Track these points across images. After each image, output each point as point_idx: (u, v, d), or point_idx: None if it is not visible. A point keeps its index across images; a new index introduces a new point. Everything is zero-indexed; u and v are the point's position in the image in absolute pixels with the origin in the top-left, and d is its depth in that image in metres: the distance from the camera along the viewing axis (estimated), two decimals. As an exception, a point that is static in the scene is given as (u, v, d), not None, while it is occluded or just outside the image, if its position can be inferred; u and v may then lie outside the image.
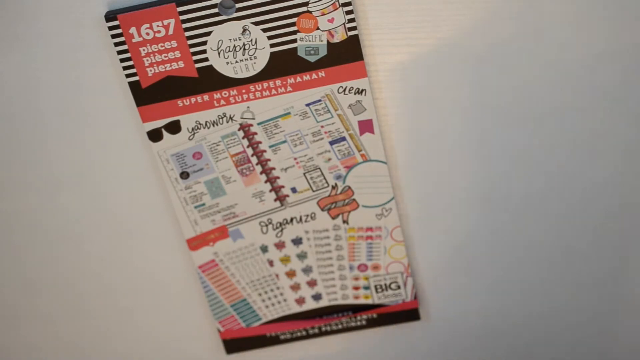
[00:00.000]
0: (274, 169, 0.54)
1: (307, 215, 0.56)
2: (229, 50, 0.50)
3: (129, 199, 0.56)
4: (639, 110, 0.52)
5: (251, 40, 0.50)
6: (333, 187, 0.55)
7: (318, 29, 0.49)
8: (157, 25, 0.49)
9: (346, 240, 0.56)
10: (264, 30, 0.49)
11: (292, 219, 0.56)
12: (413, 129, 0.53)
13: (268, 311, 0.59)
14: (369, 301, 0.59)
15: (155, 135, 0.53)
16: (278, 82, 0.51)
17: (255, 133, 0.53)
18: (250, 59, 0.50)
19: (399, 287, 0.58)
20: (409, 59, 0.51)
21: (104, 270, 0.59)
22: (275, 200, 0.55)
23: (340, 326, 0.60)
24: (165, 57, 0.50)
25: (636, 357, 0.62)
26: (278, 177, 0.54)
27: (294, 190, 0.55)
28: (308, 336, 0.60)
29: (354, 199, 0.55)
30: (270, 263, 0.57)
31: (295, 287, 0.58)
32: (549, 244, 0.57)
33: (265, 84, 0.51)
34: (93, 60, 0.51)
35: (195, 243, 0.56)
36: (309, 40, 0.50)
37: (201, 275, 0.58)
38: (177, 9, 0.49)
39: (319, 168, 0.54)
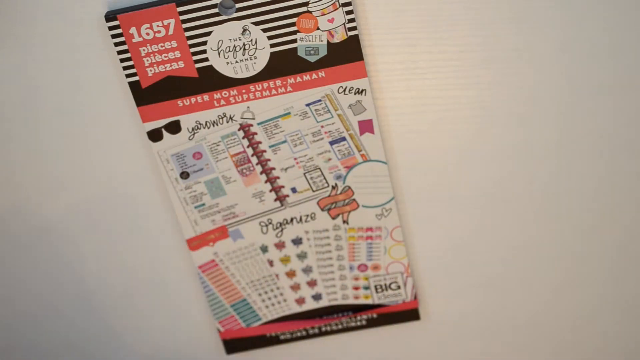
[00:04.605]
0: (274, 169, 0.54)
1: (307, 215, 0.56)
2: (229, 50, 0.50)
3: (129, 199, 0.56)
4: (639, 110, 0.52)
5: (251, 40, 0.50)
6: (333, 187, 0.55)
7: (318, 29, 0.49)
8: (157, 25, 0.49)
9: (346, 240, 0.56)
10: (264, 30, 0.49)
11: (292, 219, 0.56)
12: (413, 129, 0.53)
13: (268, 311, 0.59)
14: (369, 301, 0.59)
15: (155, 135, 0.53)
16: (278, 82, 0.51)
17: (255, 133, 0.53)
18: (250, 59, 0.50)
19: (399, 287, 0.58)
20: (409, 59, 0.51)
21: (103, 270, 0.59)
22: (275, 200, 0.55)
23: (340, 326, 0.60)
24: (165, 57, 0.50)
25: (636, 358, 0.62)
26: (278, 177, 0.54)
27: (294, 190, 0.55)
28: (308, 336, 0.60)
29: (354, 199, 0.55)
30: (270, 263, 0.57)
31: (295, 287, 0.58)
32: (548, 244, 0.57)
33: (265, 84, 0.51)
34: (93, 60, 0.51)
35: (195, 243, 0.56)
36: (309, 40, 0.50)
37: (201, 275, 0.58)
38: (177, 9, 0.49)
39: (319, 168, 0.54)
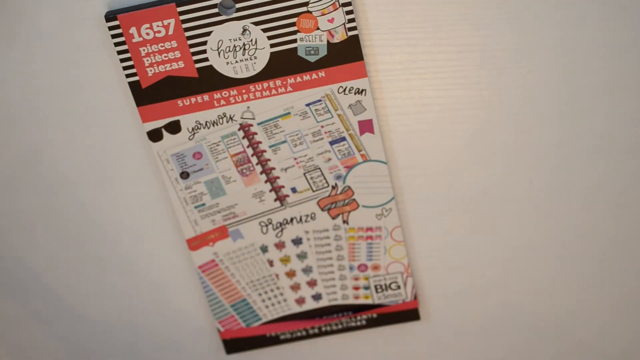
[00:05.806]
0: (274, 169, 0.54)
1: (307, 215, 0.56)
2: (229, 50, 0.50)
3: (129, 199, 0.56)
4: (638, 110, 0.52)
5: (251, 40, 0.50)
6: (333, 187, 0.55)
7: (318, 29, 0.49)
8: (157, 25, 0.49)
9: (346, 240, 0.56)
10: (264, 30, 0.49)
11: (292, 219, 0.56)
12: (413, 129, 0.53)
13: (268, 311, 0.59)
14: (369, 301, 0.59)
15: (155, 135, 0.53)
16: (278, 82, 0.51)
17: (255, 133, 0.53)
18: (250, 59, 0.50)
19: (399, 287, 0.58)
20: (409, 59, 0.51)
21: (103, 270, 0.59)
22: (275, 200, 0.55)
23: (340, 326, 0.60)
24: (165, 57, 0.50)
25: (636, 358, 0.62)
26: (278, 177, 0.54)
27: (294, 190, 0.55)
28: (308, 336, 0.60)
29: (354, 199, 0.55)
30: (270, 263, 0.57)
31: (295, 287, 0.58)
32: (548, 244, 0.57)
33: (265, 84, 0.51)
34: (93, 60, 0.51)
35: (195, 243, 0.56)
36: (309, 40, 0.50)
37: (201, 275, 0.58)
38: (177, 9, 0.49)
39: (319, 168, 0.54)
